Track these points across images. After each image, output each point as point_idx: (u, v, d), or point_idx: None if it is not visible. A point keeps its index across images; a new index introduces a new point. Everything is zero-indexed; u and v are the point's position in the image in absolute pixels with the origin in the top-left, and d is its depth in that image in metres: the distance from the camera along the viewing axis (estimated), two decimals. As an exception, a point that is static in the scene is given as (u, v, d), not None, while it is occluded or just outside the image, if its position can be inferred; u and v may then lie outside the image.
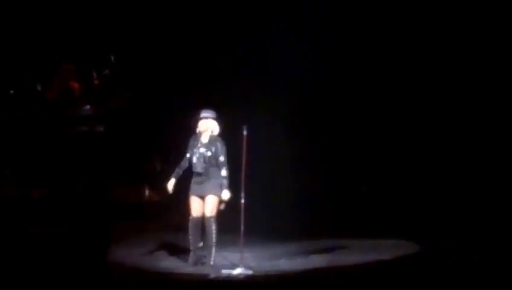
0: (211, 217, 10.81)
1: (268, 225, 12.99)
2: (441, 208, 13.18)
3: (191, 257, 10.93)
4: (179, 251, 11.54)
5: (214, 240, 10.77)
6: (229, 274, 10.33)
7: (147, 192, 14.35)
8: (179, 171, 11.01)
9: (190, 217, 10.93)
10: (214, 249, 10.81)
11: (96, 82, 14.20)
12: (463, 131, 13.79)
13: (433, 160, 13.93)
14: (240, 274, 10.33)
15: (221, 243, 11.22)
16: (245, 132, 10.78)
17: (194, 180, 10.94)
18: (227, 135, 11.15)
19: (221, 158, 10.87)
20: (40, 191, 12.55)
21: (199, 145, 10.94)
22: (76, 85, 14.00)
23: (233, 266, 10.60)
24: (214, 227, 10.77)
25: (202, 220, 10.84)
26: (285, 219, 13.44)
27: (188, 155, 10.96)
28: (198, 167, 10.88)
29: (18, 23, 14.18)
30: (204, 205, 10.88)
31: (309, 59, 14.10)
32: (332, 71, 14.21)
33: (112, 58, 14.18)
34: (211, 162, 10.87)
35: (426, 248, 11.52)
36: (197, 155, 10.90)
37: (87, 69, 14.27)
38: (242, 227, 10.66)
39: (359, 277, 10.18)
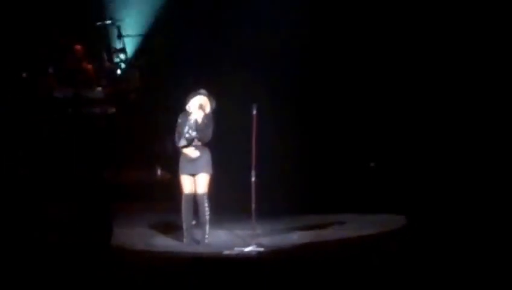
0: (203, 194, 10.82)
1: (279, 201, 12.98)
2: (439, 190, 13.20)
3: (185, 236, 10.94)
4: (178, 230, 11.45)
5: (207, 217, 10.80)
6: (241, 252, 10.35)
7: (159, 172, 14.40)
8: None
9: (183, 195, 10.90)
10: (207, 227, 10.84)
11: (107, 64, 14.22)
12: (468, 121, 13.78)
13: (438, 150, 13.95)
14: (251, 252, 10.34)
15: (233, 221, 11.43)
16: (254, 111, 10.78)
17: (185, 157, 10.92)
18: (236, 113, 11.14)
19: (210, 130, 10.83)
20: (51, 172, 12.61)
21: (190, 124, 10.88)
22: (88, 67, 14.02)
23: (245, 244, 10.62)
24: (206, 204, 10.80)
25: (194, 198, 10.86)
26: (296, 196, 13.37)
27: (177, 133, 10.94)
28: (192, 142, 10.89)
29: (29, 4, 14.17)
30: (195, 183, 10.87)
31: (321, 35, 14.12)
32: (341, 47, 14.16)
33: (123, 39, 14.20)
34: (202, 140, 10.88)
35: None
36: (188, 134, 10.88)
37: (98, 51, 14.29)
38: (253, 205, 10.70)
39: (370, 251, 10.24)
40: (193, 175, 10.90)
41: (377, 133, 14.34)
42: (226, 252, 10.39)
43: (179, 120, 10.96)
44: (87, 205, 10.96)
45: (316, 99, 14.38)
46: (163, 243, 11.29)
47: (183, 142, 10.87)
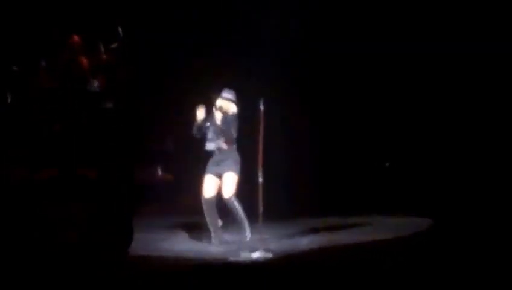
0: (230, 197, 10.80)
1: (287, 204, 12.97)
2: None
3: (214, 237, 10.94)
4: (196, 232, 11.49)
5: (242, 215, 10.82)
6: (248, 258, 10.09)
7: (159, 172, 14.25)
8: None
9: (203, 200, 10.92)
10: (246, 223, 10.85)
11: (104, 56, 13.98)
12: (485, 122, 13.79)
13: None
14: (259, 257, 10.09)
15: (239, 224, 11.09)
16: (262, 107, 10.54)
17: (211, 160, 10.95)
18: (243, 110, 11.01)
19: (232, 131, 10.82)
20: (49, 172, 12.37)
21: (214, 122, 10.90)
22: (83, 60, 13.72)
23: (252, 249, 10.34)
24: (236, 205, 10.81)
25: (217, 200, 10.83)
26: (305, 198, 13.49)
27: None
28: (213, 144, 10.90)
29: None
30: (222, 185, 10.84)
31: (333, 29, 14.00)
32: (355, 43, 14.02)
33: (120, 31, 13.90)
34: (226, 140, 10.87)
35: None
36: (211, 133, 10.90)
37: (94, 42, 14.03)
38: (261, 208, 10.49)
39: (381, 255, 10.00)
40: (219, 176, 10.88)
41: (392, 131, 14.38)
42: (232, 258, 10.12)
43: (206, 116, 10.96)
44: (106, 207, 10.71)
45: (327, 96, 14.34)
46: (181, 247, 11.11)
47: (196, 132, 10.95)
